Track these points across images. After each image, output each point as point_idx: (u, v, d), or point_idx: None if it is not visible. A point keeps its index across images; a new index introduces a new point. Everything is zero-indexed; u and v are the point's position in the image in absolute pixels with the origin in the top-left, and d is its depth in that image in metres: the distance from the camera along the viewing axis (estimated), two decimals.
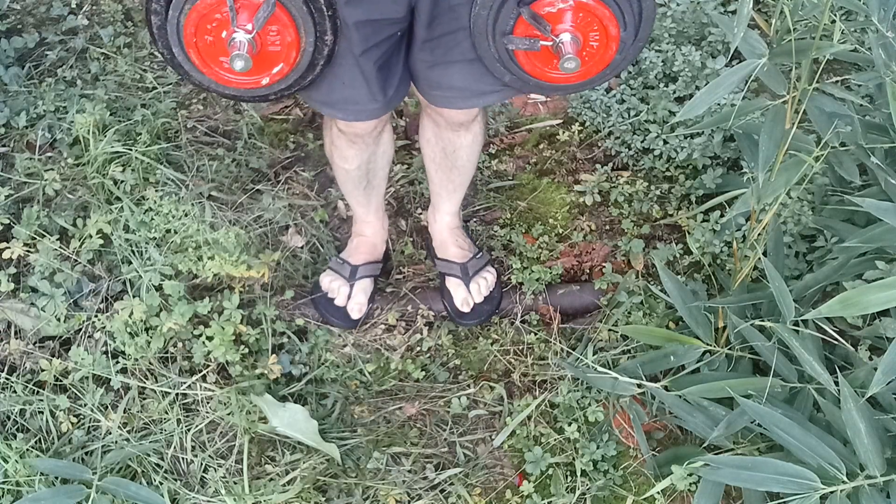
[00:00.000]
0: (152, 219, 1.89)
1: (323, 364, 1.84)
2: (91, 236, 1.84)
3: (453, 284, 1.94)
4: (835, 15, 1.25)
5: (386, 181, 1.92)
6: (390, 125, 1.79)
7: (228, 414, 1.71)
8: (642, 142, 2.19)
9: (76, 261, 1.85)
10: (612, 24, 1.25)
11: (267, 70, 1.28)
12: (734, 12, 2.15)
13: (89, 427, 1.70)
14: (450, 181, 1.87)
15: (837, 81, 1.64)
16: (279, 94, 1.35)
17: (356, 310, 1.91)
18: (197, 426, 1.71)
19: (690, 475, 1.55)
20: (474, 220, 2.14)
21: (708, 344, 1.64)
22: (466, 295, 1.92)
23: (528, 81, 1.37)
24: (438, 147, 1.78)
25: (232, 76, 1.28)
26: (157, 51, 1.30)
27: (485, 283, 1.94)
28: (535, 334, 1.91)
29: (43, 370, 1.73)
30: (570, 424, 1.73)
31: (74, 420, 1.70)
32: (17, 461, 1.60)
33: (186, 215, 1.89)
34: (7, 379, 1.72)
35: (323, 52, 1.31)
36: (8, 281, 1.80)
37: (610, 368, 1.70)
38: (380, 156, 1.79)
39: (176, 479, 1.65)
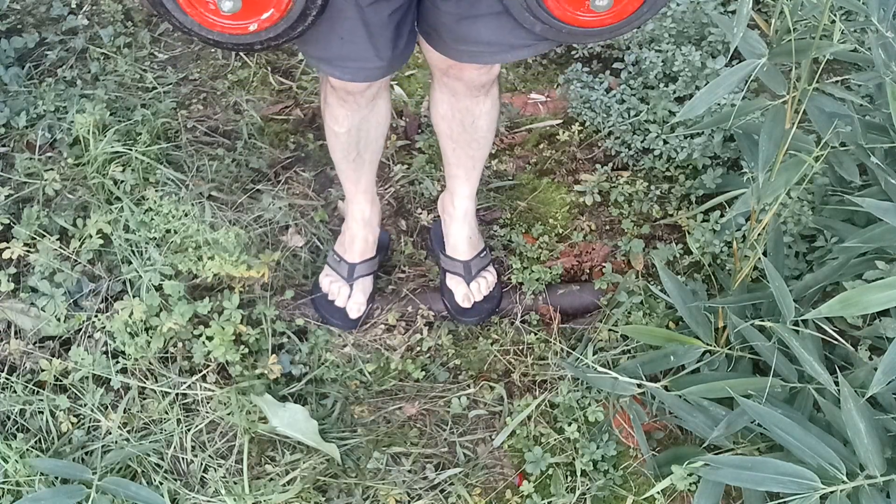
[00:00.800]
0: (152, 219, 1.89)
1: (323, 364, 1.84)
2: (91, 236, 1.84)
3: (454, 282, 1.94)
4: (834, 15, 1.25)
5: (378, 158, 1.85)
6: (387, 92, 1.72)
7: (228, 414, 1.71)
8: (642, 142, 2.19)
9: (76, 261, 1.85)
10: None
11: (256, 15, 1.20)
12: (734, 12, 2.15)
13: (89, 427, 1.70)
14: (469, 157, 1.80)
15: (837, 81, 1.64)
16: (266, 43, 1.27)
17: (355, 309, 1.91)
18: (197, 426, 1.71)
19: (690, 475, 1.55)
20: None
21: (708, 344, 1.64)
22: (467, 291, 1.92)
23: (560, 28, 1.29)
24: (456, 120, 1.71)
25: (218, 19, 1.20)
26: None
27: (485, 282, 1.94)
28: (535, 334, 1.91)
29: (43, 370, 1.73)
30: (570, 424, 1.73)
31: (74, 420, 1.70)
32: (17, 461, 1.60)
33: (186, 215, 1.89)
34: (7, 379, 1.72)
35: (317, 1, 1.23)
36: (8, 281, 1.80)
37: (610, 368, 1.70)
38: (373, 124, 1.72)
39: (176, 479, 1.65)
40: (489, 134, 1.76)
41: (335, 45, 1.40)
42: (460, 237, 1.94)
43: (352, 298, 1.91)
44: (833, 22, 1.26)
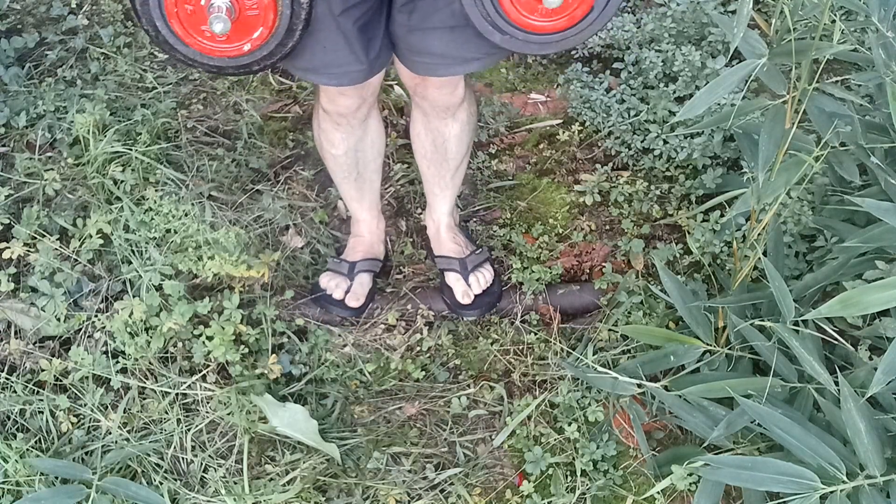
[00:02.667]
0: (152, 219, 1.89)
1: (323, 364, 1.84)
2: (91, 236, 1.84)
3: (453, 279, 1.94)
4: (835, 15, 1.25)
5: (379, 177, 1.92)
6: (377, 112, 1.80)
7: (228, 414, 1.71)
8: (642, 142, 2.19)
9: (76, 261, 1.85)
10: None
11: (248, 35, 1.30)
12: (734, 12, 2.15)
13: (89, 427, 1.70)
14: (441, 176, 1.88)
15: (837, 81, 1.64)
16: (262, 63, 1.35)
17: (353, 299, 1.93)
18: (197, 426, 1.71)
19: (690, 475, 1.55)
20: (474, 220, 2.15)
21: (708, 344, 1.64)
22: (466, 287, 1.93)
23: (517, 35, 1.35)
24: (429, 140, 1.80)
25: (214, 45, 1.29)
26: (142, 28, 1.31)
27: (483, 277, 1.95)
28: (535, 334, 1.91)
29: (43, 370, 1.73)
30: (570, 424, 1.73)
31: (74, 420, 1.70)
32: (17, 461, 1.60)
33: (186, 215, 1.89)
34: (7, 379, 1.72)
35: (300, 15, 1.31)
36: (8, 281, 1.80)
37: (610, 368, 1.70)
38: (368, 145, 1.81)
39: (176, 479, 1.65)
40: (459, 156, 1.84)
41: (319, 55, 1.48)
42: (447, 247, 1.99)
43: (351, 291, 1.93)
44: (833, 22, 1.26)
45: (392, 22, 1.53)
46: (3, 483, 1.59)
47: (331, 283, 1.94)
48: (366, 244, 1.99)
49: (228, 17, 1.22)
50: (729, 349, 1.64)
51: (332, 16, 1.41)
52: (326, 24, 1.42)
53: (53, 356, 1.76)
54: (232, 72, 1.40)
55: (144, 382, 1.74)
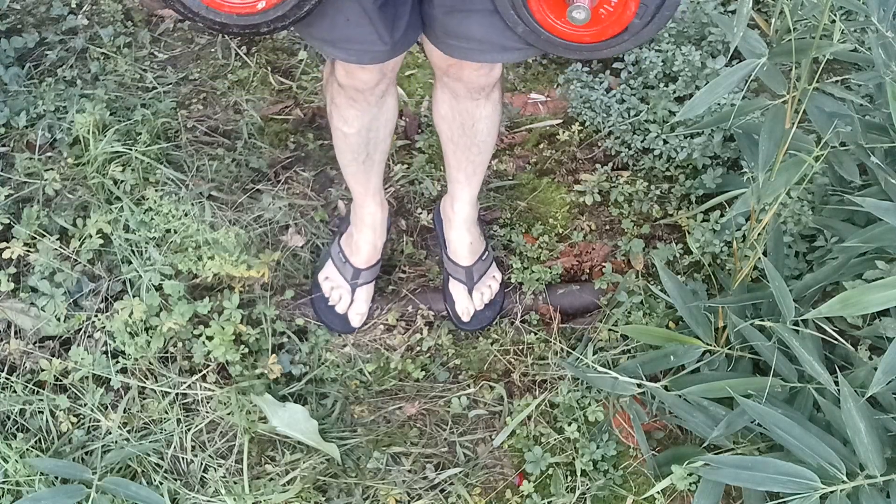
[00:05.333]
0: (152, 219, 1.89)
1: (323, 364, 1.84)
2: (91, 236, 1.84)
3: (456, 290, 1.92)
4: (835, 15, 1.25)
5: (385, 157, 1.81)
6: (395, 88, 1.67)
7: (228, 414, 1.71)
8: (642, 142, 2.19)
9: (76, 261, 1.85)
10: None
11: None
12: (734, 12, 2.15)
13: (89, 427, 1.70)
14: (469, 161, 1.77)
15: (838, 81, 1.64)
16: (272, 24, 1.24)
17: (357, 319, 1.90)
18: (197, 426, 1.71)
19: (690, 475, 1.55)
20: None
21: (708, 344, 1.64)
22: (468, 304, 1.91)
23: (539, 33, 1.28)
24: (457, 122, 1.68)
25: None
26: None
27: (488, 291, 1.93)
28: (535, 334, 1.91)
29: (43, 370, 1.73)
30: (570, 424, 1.73)
31: (74, 420, 1.70)
32: (17, 461, 1.60)
33: (186, 215, 1.89)
34: (7, 379, 1.72)
35: None
36: (8, 281, 1.80)
37: (610, 368, 1.70)
38: (382, 123, 1.68)
39: (176, 479, 1.65)
40: (489, 139, 1.73)
41: (340, 27, 1.38)
42: (461, 243, 1.92)
43: (353, 307, 1.90)
44: (833, 21, 1.26)
45: (429, 3, 1.42)
46: (3, 483, 1.59)
47: (333, 294, 1.90)
48: (368, 244, 1.92)
49: None
50: (729, 349, 1.64)
51: None
52: None
53: (53, 356, 1.76)
54: (237, 31, 1.26)
55: (144, 382, 1.74)
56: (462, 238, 1.91)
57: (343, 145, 1.72)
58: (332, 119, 1.69)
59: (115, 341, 1.75)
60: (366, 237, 1.91)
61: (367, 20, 1.37)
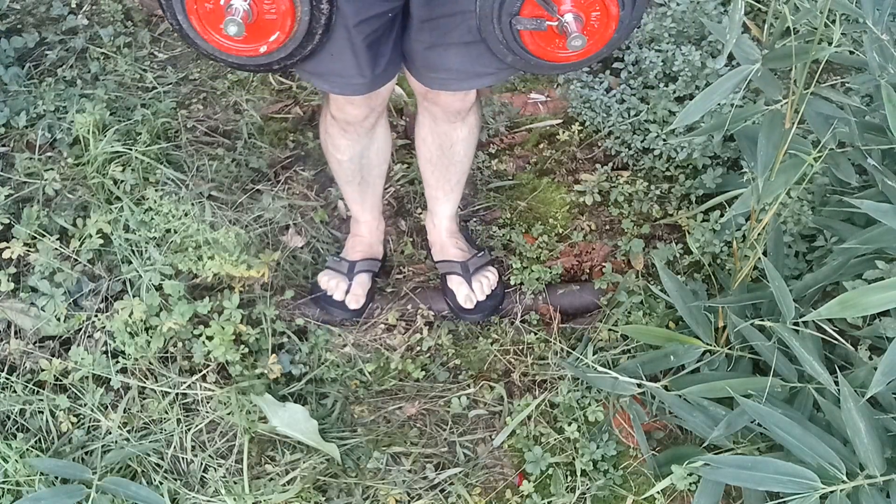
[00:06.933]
0: (152, 218, 1.89)
1: (323, 364, 1.84)
2: (91, 236, 1.84)
3: (455, 282, 1.94)
4: (834, 15, 1.25)
5: (383, 181, 1.92)
6: (385, 120, 1.80)
7: (228, 414, 1.71)
8: (642, 141, 2.19)
9: (76, 260, 1.85)
10: (613, 3, 1.28)
11: (264, 38, 1.29)
12: None
13: (89, 427, 1.70)
14: (447, 180, 1.87)
15: (836, 83, 1.64)
16: (281, 63, 1.36)
17: (353, 301, 1.93)
18: (197, 426, 1.71)
19: (690, 475, 1.55)
20: (474, 220, 2.15)
21: (708, 344, 1.64)
22: (469, 292, 1.93)
23: (530, 62, 1.37)
24: (435, 144, 1.79)
25: (231, 43, 1.29)
26: (168, 21, 1.31)
27: (487, 281, 1.95)
28: (535, 334, 1.91)
29: (43, 370, 1.73)
30: (570, 424, 1.73)
31: (74, 420, 1.70)
32: (17, 461, 1.60)
33: (186, 215, 1.89)
34: (7, 379, 1.72)
35: (320, 20, 1.31)
36: (8, 281, 1.80)
37: (610, 368, 1.70)
38: (373, 152, 1.80)
39: (176, 479, 1.65)
40: (466, 160, 1.83)
41: (326, 61, 1.48)
42: (449, 252, 1.99)
43: (350, 292, 1.93)
44: (833, 22, 1.26)
45: (408, 39, 1.52)
46: (3, 483, 1.59)
47: (330, 284, 1.94)
48: (365, 244, 1.99)
49: (244, 21, 1.21)
50: (729, 349, 1.64)
51: (346, 26, 1.42)
52: (338, 32, 1.42)
53: (53, 356, 1.76)
54: (252, 69, 1.41)
55: (144, 382, 1.74)
56: (447, 249, 1.99)
57: (338, 168, 1.85)
58: (325, 146, 1.82)
59: (115, 341, 1.75)
60: (362, 244, 1.99)
61: (351, 55, 1.47)
